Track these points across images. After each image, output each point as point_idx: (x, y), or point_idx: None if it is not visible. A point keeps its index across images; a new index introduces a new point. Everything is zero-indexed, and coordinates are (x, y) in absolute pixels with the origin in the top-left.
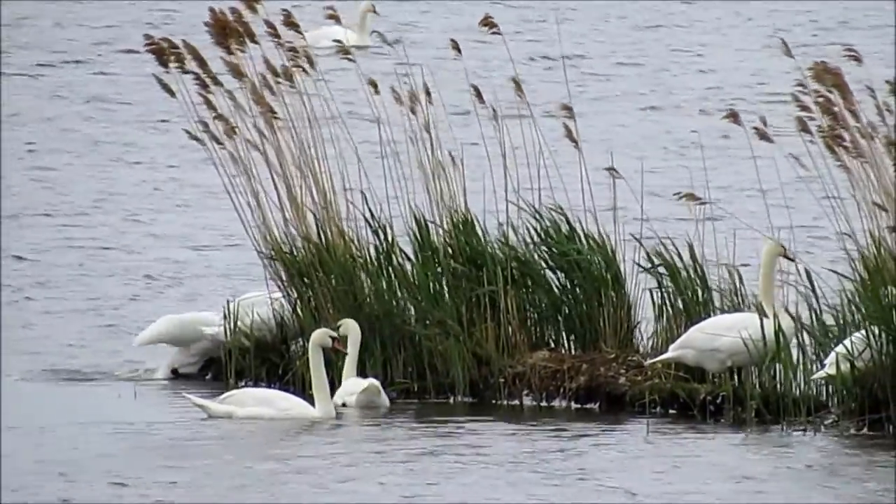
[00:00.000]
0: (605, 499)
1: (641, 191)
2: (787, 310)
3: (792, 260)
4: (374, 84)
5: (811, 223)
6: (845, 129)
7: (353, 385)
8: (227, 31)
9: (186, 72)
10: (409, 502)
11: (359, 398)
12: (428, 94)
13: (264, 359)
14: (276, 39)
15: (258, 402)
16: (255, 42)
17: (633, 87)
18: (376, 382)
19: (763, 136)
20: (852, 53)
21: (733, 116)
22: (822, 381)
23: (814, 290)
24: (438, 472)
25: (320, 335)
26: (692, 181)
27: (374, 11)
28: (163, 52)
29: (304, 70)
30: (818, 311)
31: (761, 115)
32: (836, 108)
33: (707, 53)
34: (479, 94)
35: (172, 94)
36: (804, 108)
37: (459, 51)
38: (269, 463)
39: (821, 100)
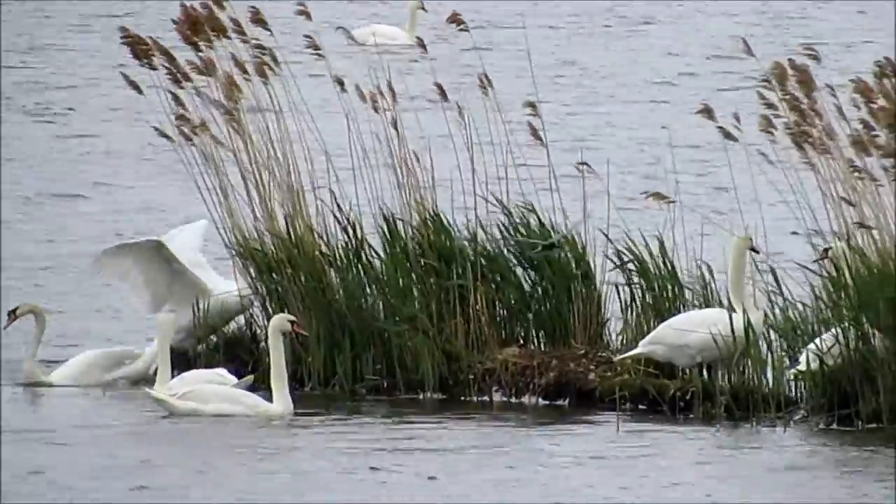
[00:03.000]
0: (574, 495)
1: (607, 187)
2: (756, 305)
3: (758, 252)
4: (340, 82)
5: (780, 220)
6: (812, 126)
7: (210, 377)
8: (196, 28)
9: (155, 68)
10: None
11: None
12: (392, 91)
13: (233, 355)
14: (242, 37)
15: (223, 398)
16: (227, 37)
17: (604, 84)
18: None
19: (727, 136)
20: (811, 52)
21: (707, 112)
22: (792, 377)
23: (779, 287)
24: (404, 467)
25: (280, 320)
26: (665, 180)
27: (423, 9)
28: (136, 46)
29: (270, 68)
30: (786, 308)
31: (734, 112)
32: (802, 105)
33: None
34: (442, 93)
35: (140, 91)
36: (769, 105)
37: (425, 48)
38: (230, 460)
39: (787, 97)
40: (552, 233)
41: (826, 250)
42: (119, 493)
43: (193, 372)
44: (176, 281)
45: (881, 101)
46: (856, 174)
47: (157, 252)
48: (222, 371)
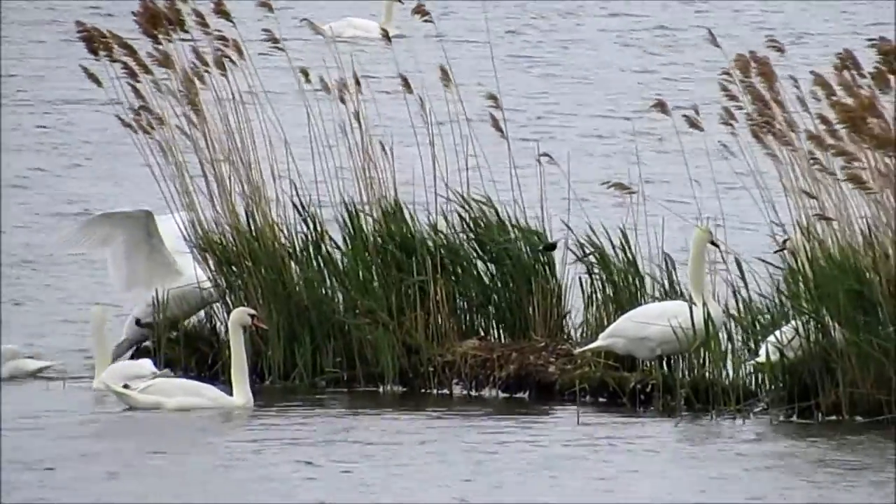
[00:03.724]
0: (532, 488)
1: (568, 178)
2: (716, 297)
3: (718, 247)
4: (305, 72)
5: (741, 212)
6: (772, 118)
7: (133, 368)
8: (156, 20)
9: (115, 60)
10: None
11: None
12: (357, 82)
13: (194, 349)
14: (204, 28)
15: (185, 391)
16: (185, 30)
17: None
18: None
19: (693, 125)
20: (774, 44)
21: (661, 106)
22: (752, 370)
23: (744, 279)
24: (362, 461)
25: (239, 314)
26: (628, 170)
27: (400, 1)
28: (93, 40)
29: (231, 60)
30: (748, 300)
31: (693, 104)
32: (764, 97)
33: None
34: (406, 84)
35: (99, 83)
36: (731, 97)
37: (389, 39)
38: (193, 455)
39: (749, 89)
40: (513, 229)
41: (785, 241)
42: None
43: (118, 364)
44: (153, 259)
45: (840, 94)
46: (816, 166)
47: (144, 224)
48: (145, 363)
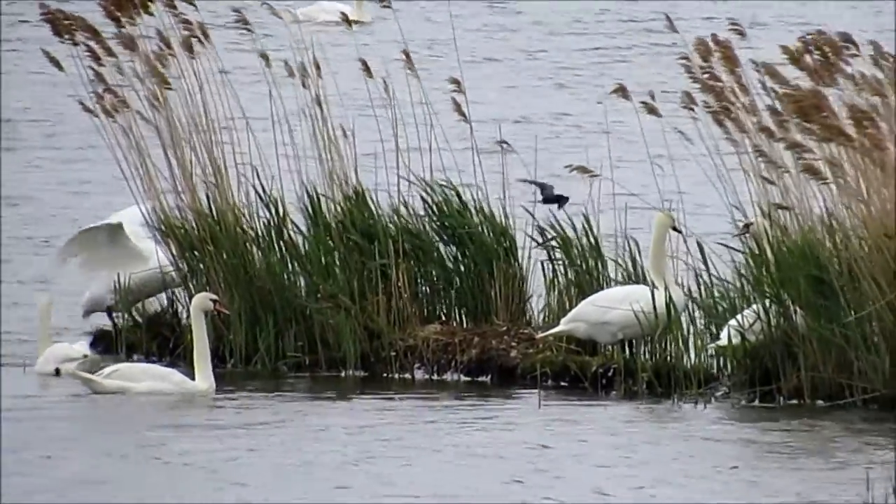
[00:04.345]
0: (491, 473)
1: (535, 164)
2: (678, 281)
3: (680, 232)
4: (265, 56)
5: (702, 197)
6: (732, 104)
7: (63, 350)
8: (120, 4)
9: (77, 43)
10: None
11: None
12: (318, 67)
13: (156, 333)
14: (171, 10)
15: (151, 376)
16: (150, 13)
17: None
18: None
19: (652, 111)
20: (736, 27)
21: (621, 90)
22: (714, 354)
23: (706, 263)
24: (319, 445)
25: (201, 299)
26: (587, 156)
27: None
28: (57, 22)
29: (200, 41)
30: (709, 284)
31: (650, 90)
32: (721, 84)
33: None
34: (367, 69)
35: (61, 67)
36: (693, 80)
37: (350, 24)
38: (153, 438)
39: (706, 75)
40: (477, 214)
41: (747, 225)
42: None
43: (55, 346)
44: (118, 249)
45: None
46: (762, 159)
47: (115, 232)
48: (77, 346)
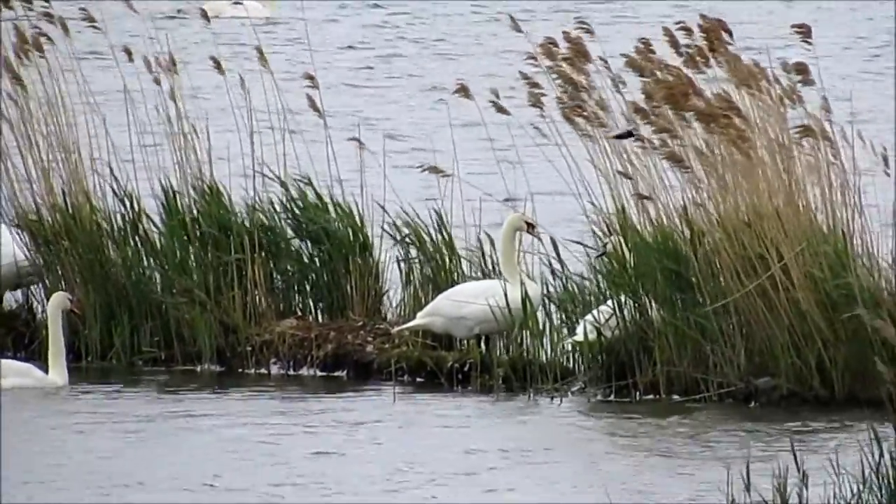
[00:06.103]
0: (346, 470)
1: (384, 162)
2: (532, 277)
3: (537, 236)
4: (128, 52)
5: (557, 193)
6: (584, 101)
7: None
8: None
9: None
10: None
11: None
12: (173, 63)
13: (10, 328)
14: (28, 4)
15: (16, 373)
16: (10, 8)
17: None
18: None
19: (500, 109)
20: (584, 26)
21: (463, 91)
22: (570, 349)
23: (560, 259)
24: (167, 442)
25: (59, 298)
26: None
27: None
28: None
29: (65, 27)
30: (565, 279)
31: (494, 88)
32: (573, 80)
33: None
34: (218, 66)
35: None
36: (534, 84)
37: (208, 19)
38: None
39: (557, 73)
40: (334, 208)
41: (605, 245)
42: None
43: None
44: None
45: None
46: (638, 143)
47: None
48: None
